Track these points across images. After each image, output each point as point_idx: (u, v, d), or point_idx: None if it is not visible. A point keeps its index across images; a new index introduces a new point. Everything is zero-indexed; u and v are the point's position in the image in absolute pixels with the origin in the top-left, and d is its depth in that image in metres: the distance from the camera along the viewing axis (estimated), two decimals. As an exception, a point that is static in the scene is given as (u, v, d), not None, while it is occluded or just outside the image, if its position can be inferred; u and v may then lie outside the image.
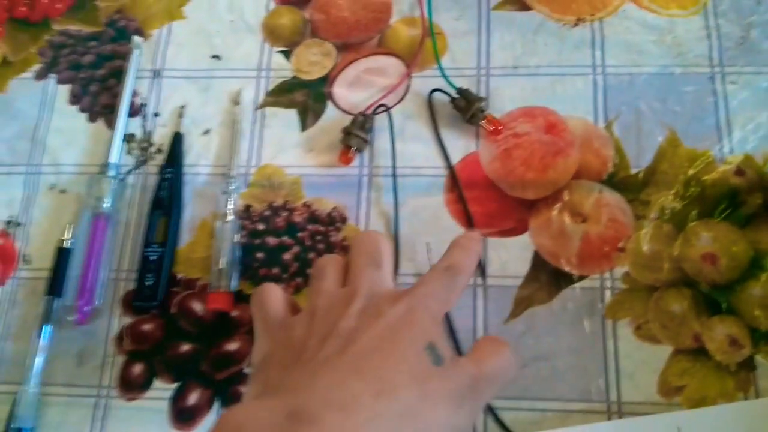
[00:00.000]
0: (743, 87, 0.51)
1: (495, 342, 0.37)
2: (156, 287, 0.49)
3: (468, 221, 0.50)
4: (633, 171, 0.50)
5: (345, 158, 0.51)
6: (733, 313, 0.46)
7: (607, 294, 0.48)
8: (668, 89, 0.52)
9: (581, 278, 0.48)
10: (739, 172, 0.49)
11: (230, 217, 0.50)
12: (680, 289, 0.47)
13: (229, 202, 0.51)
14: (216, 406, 0.47)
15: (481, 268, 0.49)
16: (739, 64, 0.52)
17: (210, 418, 0.47)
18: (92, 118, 0.56)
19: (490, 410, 0.45)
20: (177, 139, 0.53)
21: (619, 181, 0.50)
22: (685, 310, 0.47)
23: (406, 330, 0.33)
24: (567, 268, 0.49)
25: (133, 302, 0.49)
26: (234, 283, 0.49)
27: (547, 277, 0.49)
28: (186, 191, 0.53)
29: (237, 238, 0.50)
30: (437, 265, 0.38)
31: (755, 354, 0.45)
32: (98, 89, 0.57)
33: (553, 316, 0.48)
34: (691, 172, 0.50)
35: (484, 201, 0.51)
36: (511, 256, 0.49)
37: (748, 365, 0.45)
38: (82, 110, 0.57)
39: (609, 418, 0.44)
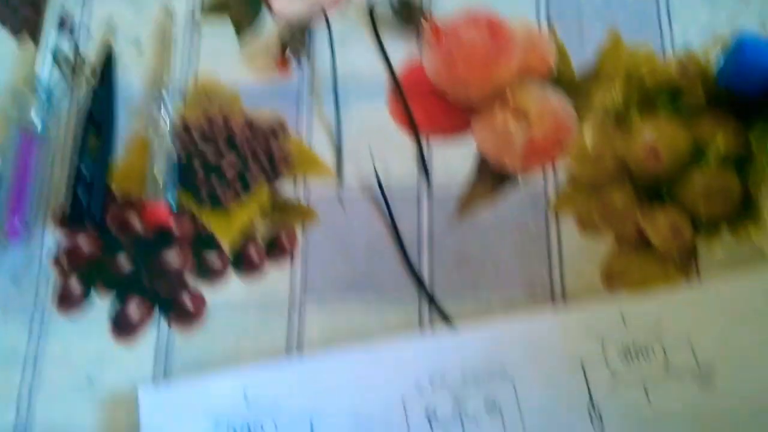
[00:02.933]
0: (683, -18, 0.51)
1: None
2: (90, 202, 0.47)
3: (412, 127, 0.49)
4: (575, 70, 0.50)
5: (282, 64, 0.50)
6: (674, 204, 0.46)
7: (551, 191, 0.47)
8: (609, -13, 0.51)
9: (525, 177, 0.48)
10: (680, 66, 0.49)
11: (165, 130, 0.49)
12: (623, 183, 0.47)
13: (164, 116, 0.49)
14: (157, 317, 0.46)
15: (426, 172, 0.48)
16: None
17: (151, 330, 0.46)
18: (15, 32, 0.54)
19: (434, 305, 0.45)
20: (108, 54, 0.52)
21: (562, 81, 0.50)
22: (628, 202, 0.46)
23: None
24: (511, 168, 0.48)
25: (68, 218, 0.47)
26: (171, 197, 0.48)
27: (491, 178, 0.48)
28: (119, 107, 0.51)
29: (173, 151, 0.48)
30: None
31: (697, 241, 0.45)
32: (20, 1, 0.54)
33: (497, 215, 0.47)
34: (632, 68, 0.49)
35: (427, 105, 0.50)
36: (455, 159, 0.49)
37: (690, 253, 0.45)
38: (2, 23, 0.54)
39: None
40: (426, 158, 0.49)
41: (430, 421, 0.41)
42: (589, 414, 0.41)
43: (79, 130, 0.50)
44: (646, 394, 0.41)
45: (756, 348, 0.41)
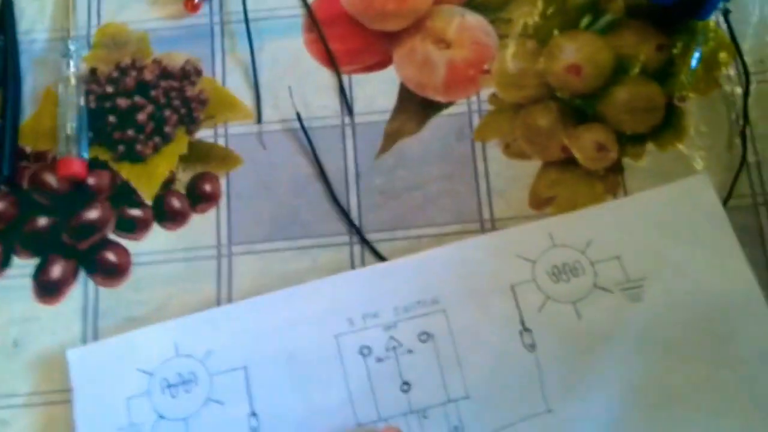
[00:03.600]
0: None
1: None
2: (0, 160, 0.45)
3: (330, 60, 0.48)
4: (494, -10, 0.48)
5: (191, 3, 0.47)
6: (599, 121, 0.46)
7: (475, 117, 0.47)
8: None
9: (449, 105, 0.47)
10: (599, -21, 0.48)
11: (73, 81, 0.47)
12: (546, 104, 0.46)
13: (70, 66, 0.47)
14: (82, 275, 0.45)
15: (348, 107, 0.47)
16: None
17: (77, 289, 0.44)
18: None
19: (366, 243, 0.44)
20: (6, 4, 0.49)
21: (480, 3, 0.49)
22: (552, 123, 0.46)
23: None
24: (434, 97, 0.47)
25: (-23, 179, 0.45)
26: (85, 149, 0.46)
27: (414, 108, 0.47)
28: (23, 60, 0.49)
29: (83, 102, 0.46)
30: None
31: (622, 157, 0.45)
32: None
33: (422, 145, 0.46)
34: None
35: (345, 37, 0.49)
36: (377, 91, 0.48)
37: (616, 169, 0.45)
38: None
39: (483, 235, 0.44)
40: (347, 92, 0.47)
41: (364, 357, 0.41)
42: (521, 335, 0.41)
43: (-19, 87, 0.47)
44: (576, 311, 0.41)
45: (685, 258, 0.42)
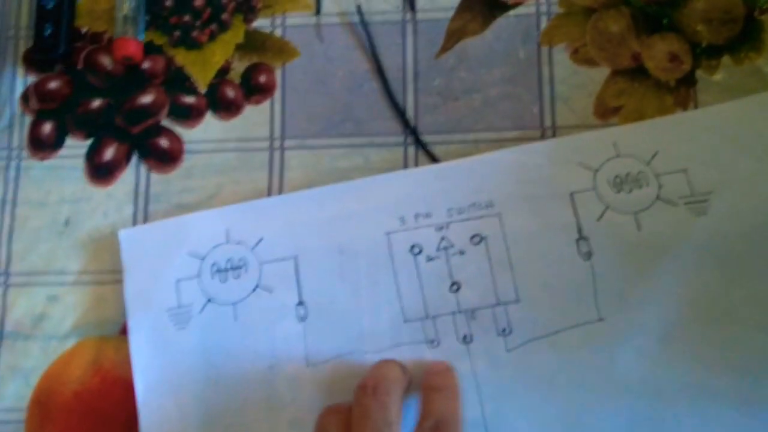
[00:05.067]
0: None
1: (441, 377, 0.37)
2: (57, 36, 0.45)
3: (394, -46, 0.46)
4: None
5: None
6: (673, 30, 0.43)
7: (543, 20, 0.45)
8: None
9: (516, 5, 0.45)
10: None
11: (131, -39, 0.45)
12: (619, 9, 0.44)
13: (129, -54, 0.46)
14: (134, 159, 0.44)
15: (410, 2, 0.45)
16: None
17: (129, 172, 0.44)
18: None
19: (420, 144, 0.43)
20: None
21: None
22: (624, 29, 0.44)
23: None
24: (501, -4, 0.45)
25: (34, 54, 0.45)
26: (141, 32, 0.45)
27: (479, 7, 0.45)
28: (81, -63, 0.47)
29: (141, -19, 0.45)
30: (423, 424, 0.35)
31: (696, 69, 0.43)
32: None
33: (486, 46, 0.45)
34: None
35: (410, -70, 0.46)
36: (441, -12, 0.46)
37: (688, 81, 0.43)
38: None
39: (543, 142, 0.43)
40: (410, -13, 0.46)
41: (414, 255, 0.40)
42: (577, 243, 0.40)
43: (38, -37, 0.46)
44: (636, 222, 0.40)
45: (755, 173, 0.40)
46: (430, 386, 0.37)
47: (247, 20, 0.46)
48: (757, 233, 0.39)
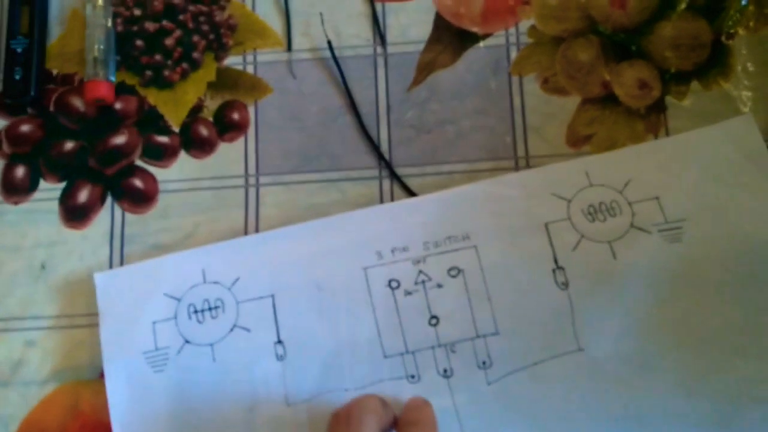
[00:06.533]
0: None
1: (418, 411, 0.37)
2: (27, 80, 0.44)
3: (364, -12, 0.46)
4: None
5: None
6: (642, 57, 0.44)
7: (513, 50, 0.45)
8: None
9: (486, 37, 0.45)
10: None
11: (101, 2, 0.45)
12: (588, 38, 0.45)
13: (98, -13, 0.46)
14: (109, 201, 0.44)
15: (381, 36, 0.45)
16: None
17: (104, 214, 0.44)
18: None
19: (395, 177, 0.43)
20: None
21: (523, -70, 0.46)
22: (593, 57, 0.44)
23: None
24: (470, 28, 0.46)
25: (5, 99, 0.45)
26: (113, 73, 0.45)
27: (450, 39, 0.46)
28: (50, -21, 0.47)
29: (110, 23, 0.45)
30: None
31: (665, 95, 0.43)
32: None
33: (457, 78, 0.45)
34: None
35: (379, -35, 0.47)
36: (411, 21, 0.46)
37: (659, 107, 0.43)
38: None
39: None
40: (380, 20, 0.46)
41: (392, 290, 0.40)
42: (554, 273, 0.40)
43: (8, 4, 0.46)
44: (612, 250, 0.40)
45: (727, 200, 0.40)
46: (408, 421, 0.37)
47: (219, 58, 0.46)
48: (731, 259, 0.39)
